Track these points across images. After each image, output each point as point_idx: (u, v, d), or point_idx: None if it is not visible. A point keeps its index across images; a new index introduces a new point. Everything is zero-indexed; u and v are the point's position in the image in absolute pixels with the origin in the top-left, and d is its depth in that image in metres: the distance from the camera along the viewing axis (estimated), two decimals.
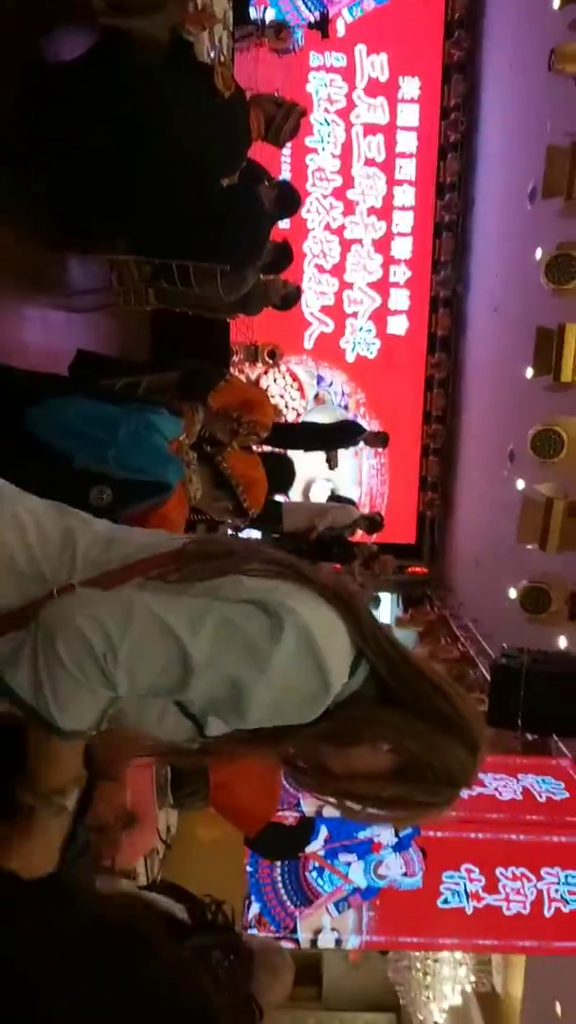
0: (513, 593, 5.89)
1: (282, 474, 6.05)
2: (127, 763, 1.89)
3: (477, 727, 1.24)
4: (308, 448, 7.63)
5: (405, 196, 9.44)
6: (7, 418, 2.04)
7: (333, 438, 7.38)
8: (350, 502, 8.66)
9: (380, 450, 9.01)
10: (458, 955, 7.69)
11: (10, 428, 2.03)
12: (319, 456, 7.75)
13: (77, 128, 2.70)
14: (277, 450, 7.82)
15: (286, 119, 3.36)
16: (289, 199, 4.06)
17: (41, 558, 1.17)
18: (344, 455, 8.06)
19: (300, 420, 9.41)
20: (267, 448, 7.81)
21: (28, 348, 3.39)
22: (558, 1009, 5.70)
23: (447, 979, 8.06)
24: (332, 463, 7.46)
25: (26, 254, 3.34)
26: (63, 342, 3.75)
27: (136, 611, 1.08)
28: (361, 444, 7.92)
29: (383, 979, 10.20)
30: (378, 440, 7.85)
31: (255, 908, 4.42)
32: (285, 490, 6.44)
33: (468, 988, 8.25)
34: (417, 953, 7.79)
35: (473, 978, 8.12)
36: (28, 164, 2.76)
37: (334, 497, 8.90)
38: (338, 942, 4.44)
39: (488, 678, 6.08)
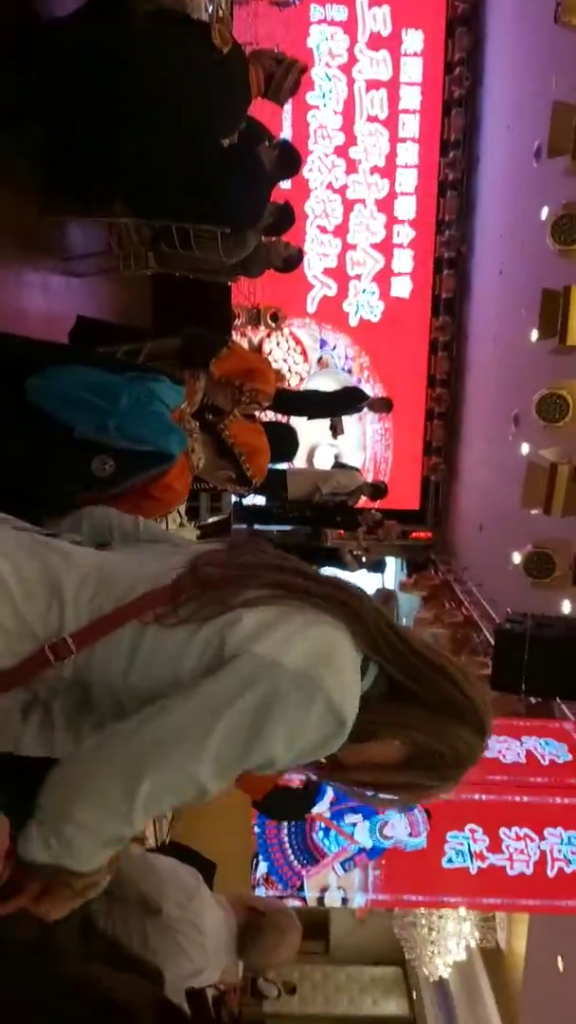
0: (517, 558, 5.89)
1: (285, 443, 6.02)
2: None
3: (485, 709, 1.23)
4: (312, 416, 7.57)
5: (408, 154, 9.26)
6: (6, 387, 2.02)
7: (336, 405, 7.32)
8: (354, 469, 8.64)
9: (384, 416, 8.96)
10: (462, 912, 7.84)
11: (10, 397, 2.01)
12: (323, 423, 7.70)
13: (73, 87, 2.64)
14: (280, 419, 7.78)
15: (286, 75, 3.27)
16: (290, 159, 3.98)
17: (28, 614, 1.13)
18: (349, 422, 8.01)
19: (303, 386, 9.35)
20: (270, 416, 7.80)
21: (27, 314, 3.35)
22: (560, 964, 5.82)
23: (452, 935, 8.22)
24: (337, 431, 7.41)
25: (24, 217, 3.28)
26: (62, 308, 3.70)
27: (138, 769, 1.05)
28: (365, 410, 7.86)
29: (389, 935, 10.41)
30: (382, 405, 7.79)
31: (263, 868, 4.49)
32: (288, 459, 6.41)
33: (472, 944, 8.42)
34: (422, 910, 7.95)
35: (477, 934, 8.28)
36: (24, 124, 2.69)
37: (338, 464, 8.88)
38: (344, 900, 4.52)
39: (492, 642, 6.10)
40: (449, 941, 8.19)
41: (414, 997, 11.79)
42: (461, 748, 1.21)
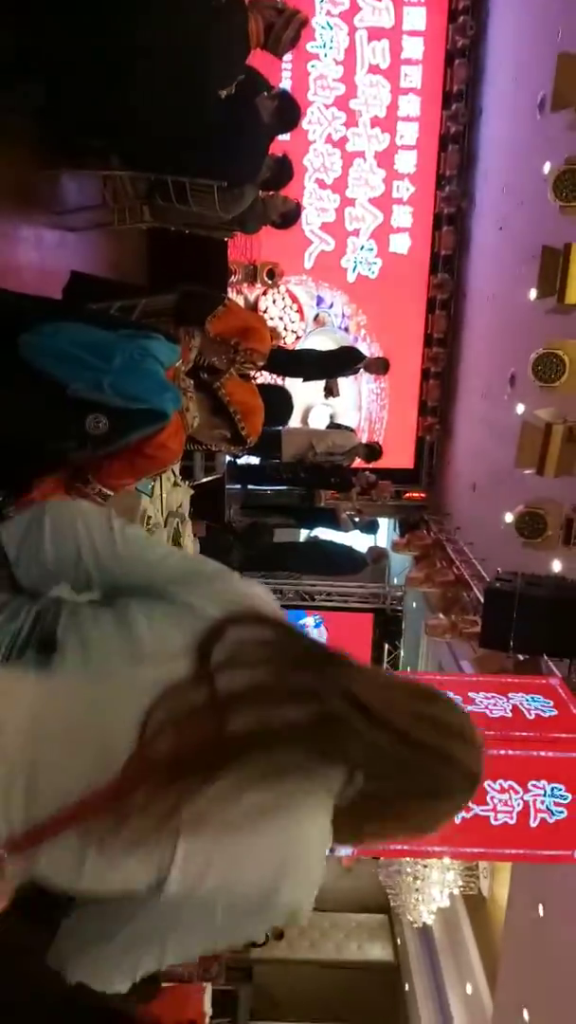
0: (509, 518, 5.93)
1: (280, 406, 6.02)
2: None
3: (474, 763, 1.13)
4: (307, 377, 7.54)
5: (410, 106, 9.07)
6: None
7: (333, 365, 7.29)
8: (349, 429, 8.64)
9: (380, 376, 8.93)
10: (447, 861, 8.06)
11: (2, 354, 2.01)
12: (318, 384, 7.68)
13: (68, 38, 2.58)
14: (275, 381, 7.76)
15: (286, 27, 3.20)
16: (289, 111, 3.91)
17: None
18: (344, 383, 7.98)
19: (299, 345, 9.29)
20: (265, 379, 7.77)
21: (20, 269, 3.32)
22: (540, 911, 6.02)
23: (436, 883, 8.47)
24: (332, 392, 7.39)
25: (18, 171, 3.24)
26: (56, 263, 3.67)
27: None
28: (361, 370, 7.83)
29: (375, 883, 10.72)
30: (378, 366, 7.76)
31: None
32: (283, 422, 6.42)
33: (456, 892, 8.68)
34: (407, 859, 8.17)
35: (461, 882, 8.53)
36: (20, 79, 2.65)
37: (333, 424, 8.87)
38: (331, 849, 4.65)
39: (482, 600, 6.18)
40: (433, 889, 8.44)
41: (398, 943, 12.18)
42: (450, 812, 1.13)
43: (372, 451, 8.07)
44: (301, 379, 7.76)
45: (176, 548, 1.21)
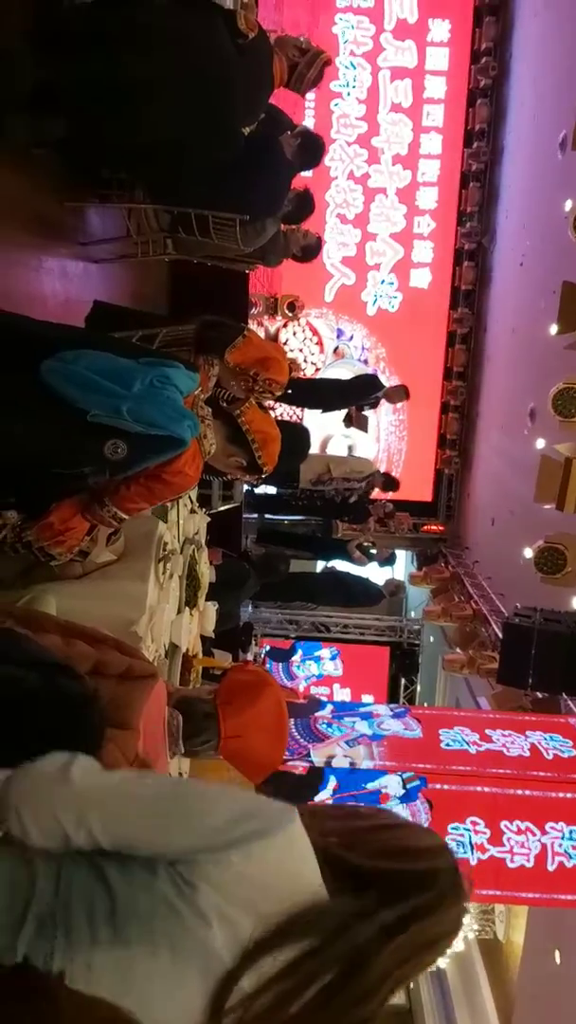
0: (528, 553, 5.88)
1: (297, 440, 6.04)
2: (140, 712, 1.93)
3: (451, 878, 1.19)
4: (326, 407, 7.53)
5: (432, 144, 9.19)
6: (21, 370, 2.04)
7: (351, 393, 7.29)
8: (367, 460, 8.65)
9: (400, 405, 8.93)
10: None
11: (24, 380, 2.03)
12: (337, 415, 7.67)
13: (93, 73, 2.64)
14: (296, 413, 7.78)
15: (309, 67, 3.26)
16: (312, 148, 3.97)
17: None
18: (367, 414, 7.94)
19: (317, 375, 9.35)
20: (283, 409, 7.80)
21: (45, 298, 3.37)
22: (557, 957, 5.85)
23: None
24: (354, 423, 7.35)
25: (43, 203, 3.30)
26: (80, 293, 3.72)
27: None
28: (381, 401, 7.82)
29: None
30: (398, 394, 7.75)
31: None
32: (301, 457, 6.43)
33: (471, 935, 8.47)
34: None
35: (476, 926, 8.33)
36: (45, 112, 2.71)
37: (350, 455, 8.88)
38: None
39: (500, 636, 6.11)
40: None
41: (411, 987, 11.87)
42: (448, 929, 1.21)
43: (390, 480, 8.04)
44: (320, 410, 7.78)
45: (183, 792, 1.11)
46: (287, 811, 1.13)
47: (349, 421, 7.32)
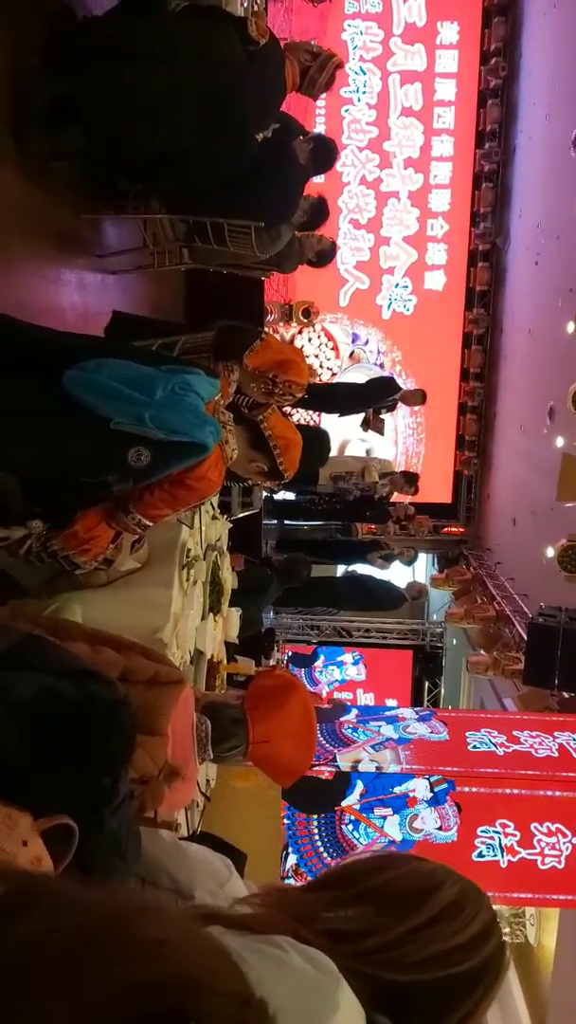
0: (551, 552, 5.85)
1: (317, 445, 6.04)
2: (169, 717, 1.94)
3: (482, 912, 1.03)
4: (344, 411, 7.53)
5: (443, 146, 9.19)
6: (44, 379, 2.06)
7: (368, 396, 7.29)
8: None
9: (417, 408, 8.92)
10: (493, 907, 7.80)
11: (47, 390, 2.06)
12: (355, 419, 7.67)
13: (107, 84, 2.68)
14: (313, 418, 7.77)
15: (321, 70, 3.28)
16: (324, 153, 3.98)
17: None
18: (384, 417, 7.94)
19: (334, 380, 9.35)
20: (302, 414, 7.80)
21: (63, 311, 3.41)
22: None
23: None
24: (371, 426, 7.35)
25: (60, 216, 3.34)
26: (98, 304, 3.76)
27: None
28: (398, 404, 7.81)
29: None
30: (415, 397, 7.74)
31: (292, 859, 4.53)
32: (320, 462, 6.43)
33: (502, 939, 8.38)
34: None
35: (507, 929, 8.25)
36: (61, 124, 2.74)
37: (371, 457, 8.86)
38: None
39: (524, 637, 6.07)
40: None
41: None
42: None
43: (410, 477, 7.98)
44: (337, 414, 7.78)
45: None
46: (333, 977, 0.91)
47: (366, 425, 7.32)
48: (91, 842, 1.34)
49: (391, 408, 7.66)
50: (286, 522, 8.47)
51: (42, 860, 1.15)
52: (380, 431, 7.52)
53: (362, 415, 7.40)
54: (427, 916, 0.98)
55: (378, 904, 0.99)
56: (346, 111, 9.07)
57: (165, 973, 0.52)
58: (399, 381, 8.92)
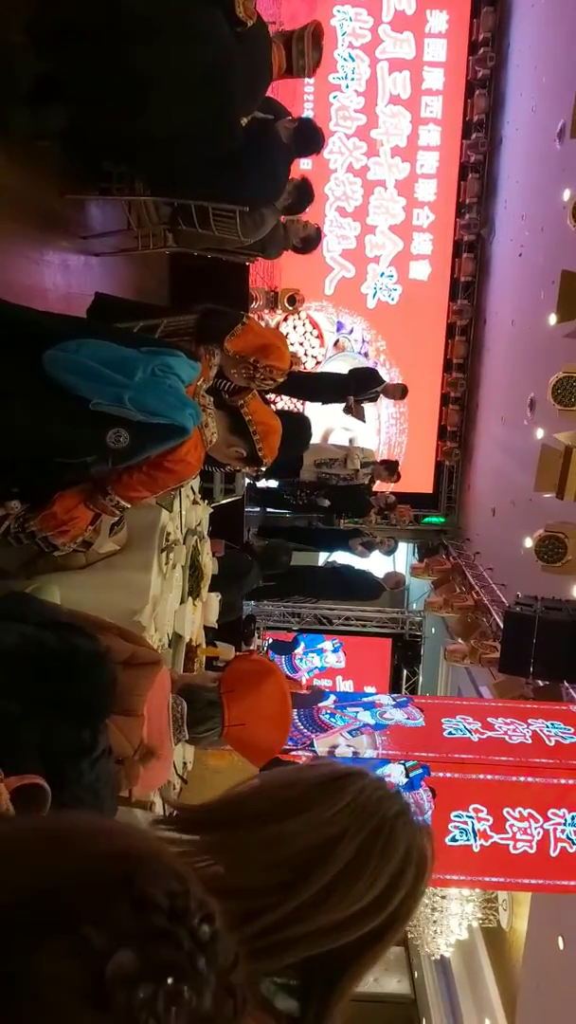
0: (529, 542, 5.90)
1: (298, 431, 6.05)
2: (145, 698, 1.95)
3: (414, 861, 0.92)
4: (326, 400, 7.55)
5: (430, 135, 9.18)
6: (24, 359, 2.06)
7: (351, 386, 7.30)
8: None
9: (398, 401, 8.94)
10: (465, 892, 7.91)
11: (27, 370, 2.05)
12: (338, 407, 7.68)
13: (92, 63, 2.65)
14: (296, 405, 7.77)
15: (301, 40, 3.27)
16: (309, 135, 3.96)
17: None
18: (366, 407, 7.95)
19: (318, 369, 9.35)
20: (285, 400, 7.79)
21: (46, 292, 3.39)
22: (560, 944, 5.88)
23: (454, 915, 8.31)
24: (353, 413, 7.37)
25: (44, 197, 3.31)
26: (81, 286, 3.74)
27: None
28: (379, 395, 7.83)
29: None
30: (396, 391, 7.76)
31: None
32: (301, 448, 6.44)
33: (475, 924, 8.51)
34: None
35: (480, 914, 8.37)
36: (46, 104, 2.72)
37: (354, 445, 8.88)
38: None
39: (501, 625, 6.13)
40: (451, 921, 8.29)
41: (415, 976, 11.93)
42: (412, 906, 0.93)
43: (391, 466, 8.02)
44: (320, 402, 7.79)
45: None
46: None
47: (348, 410, 7.33)
48: (69, 793, 1.36)
49: (373, 400, 7.68)
50: (268, 510, 8.48)
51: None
52: (360, 417, 7.53)
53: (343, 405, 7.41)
54: (319, 886, 0.86)
55: (264, 864, 0.86)
56: (334, 98, 9.03)
57: (110, 847, 0.54)
58: (383, 371, 8.94)
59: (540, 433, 6.52)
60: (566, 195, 6.07)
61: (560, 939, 5.89)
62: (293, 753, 4.49)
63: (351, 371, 7.88)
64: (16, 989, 0.46)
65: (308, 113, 8.78)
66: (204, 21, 2.82)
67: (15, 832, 0.59)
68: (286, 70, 3.35)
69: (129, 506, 2.33)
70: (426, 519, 10.13)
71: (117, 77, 2.66)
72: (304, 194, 4.06)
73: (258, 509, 8.28)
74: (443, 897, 8.17)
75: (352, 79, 8.99)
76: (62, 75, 2.69)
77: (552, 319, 6.08)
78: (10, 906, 0.48)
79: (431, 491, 10.10)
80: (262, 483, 7.85)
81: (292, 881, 0.84)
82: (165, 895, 0.51)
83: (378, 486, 8.26)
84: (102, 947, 0.47)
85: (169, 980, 0.48)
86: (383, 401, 9.13)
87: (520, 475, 6.69)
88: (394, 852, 0.90)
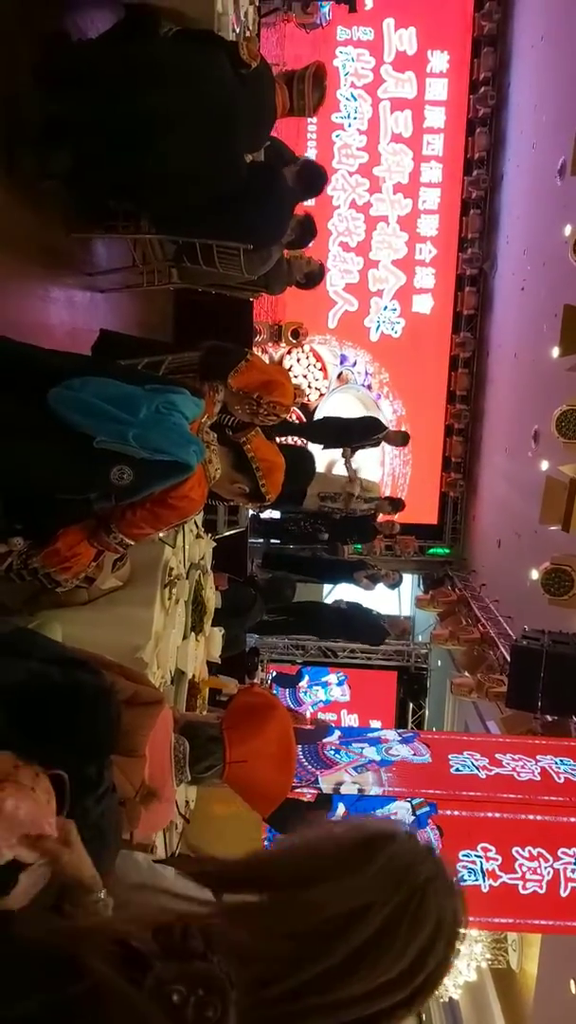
0: (535, 574, 5.87)
1: (301, 465, 6.05)
2: (147, 738, 1.93)
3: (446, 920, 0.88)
4: (328, 445, 7.49)
5: (432, 172, 9.32)
6: (29, 397, 2.06)
7: (353, 434, 7.30)
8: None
9: (404, 428, 8.95)
10: (474, 932, 7.75)
11: (32, 407, 2.05)
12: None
13: (100, 106, 2.70)
14: (298, 442, 7.77)
15: (303, 81, 3.33)
16: (311, 175, 4.02)
17: None
18: (370, 451, 7.91)
19: (322, 402, 9.39)
20: (288, 438, 7.79)
21: (52, 328, 3.41)
22: (573, 988, 5.74)
23: (463, 956, 8.12)
24: (348, 462, 7.35)
25: (48, 233, 3.35)
26: (86, 322, 3.76)
27: None
28: (381, 442, 7.77)
29: None
30: (398, 438, 7.72)
31: None
32: (305, 482, 6.43)
33: (484, 965, 8.33)
34: None
35: (489, 955, 8.19)
36: (53, 145, 2.76)
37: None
38: None
39: (508, 659, 6.07)
40: (460, 962, 8.10)
41: (423, 1018, 11.64)
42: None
43: (395, 503, 7.99)
44: (321, 446, 7.75)
45: None
46: None
47: (344, 456, 7.32)
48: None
49: (375, 445, 7.66)
50: (272, 540, 8.46)
51: (51, 797, 1.17)
52: (352, 455, 7.52)
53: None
54: (341, 957, 0.81)
55: (287, 931, 0.82)
56: (337, 136, 9.19)
57: None
58: (386, 403, 8.97)
59: (545, 465, 6.52)
60: (567, 231, 6.13)
61: (572, 982, 5.75)
62: (297, 790, 4.43)
63: (354, 419, 7.84)
64: None
65: (311, 151, 8.92)
66: (208, 65, 2.88)
67: None
68: (289, 110, 3.41)
69: (132, 543, 2.32)
70: (431, 550, 10.11)
71: (123, 119, 2.71)
72: (307, 230, 4.10)
73: (261, 540, 8.27)
74: None
75: (355, 118, 9.15)
76: (70, 117, 2.73)
77: (555, 352, 6.11)
78: None
79: (435, 522, 10.09)
80: (265, 514, 7.83)
81: (314, 951, 0.81)
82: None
83: (382, 517, 8.23)
84: None
85: None
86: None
87: (525, 507, 6.67)
88: (424, 925, 0.85)
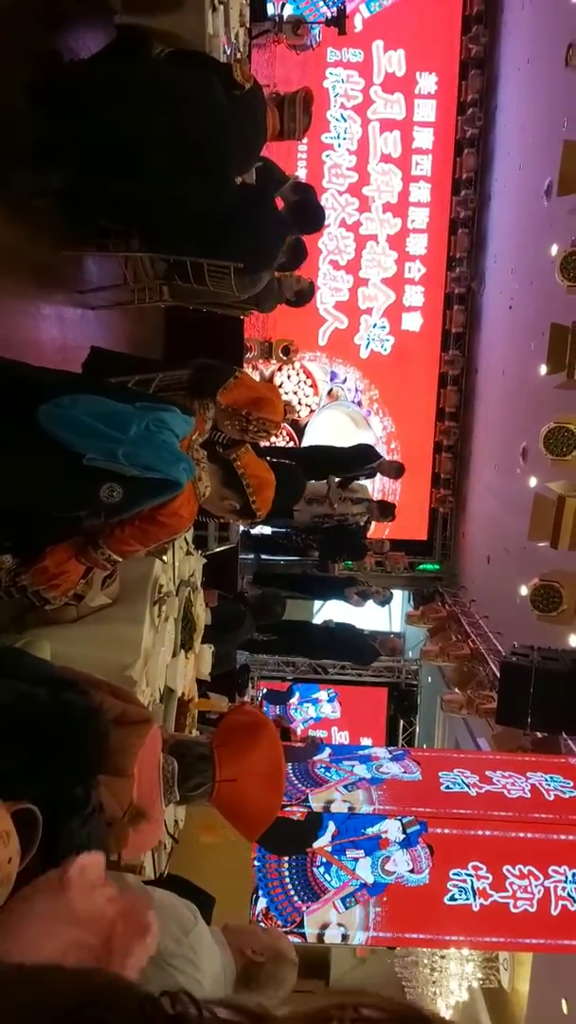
0: (524, 590, 5.88)
1: (292, 483, 6.04)
2: (135, 757, 1.91)
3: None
4: (318, 476, 7.37)
5: (421, 192, 9.42)
6: (18, 414, 2.06)
7: (347, 463, 7.26)
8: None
9: (394, 445, 8.98)
10: (465, 952, 7.70)
11: (21, 424, 2.05)
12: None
13: (92, 126, 2.72)
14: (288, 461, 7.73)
15: (293, 104, 3.37)
16: (309, 215, 4.04)
17: None
18: (364, 482, 7.84)
19: (312, 419, 9.42)
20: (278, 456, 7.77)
21: (42, 345, 3.42)
22: (564, 1007, 5.70)
23: (454, 975, 8.07)
24: (331, 492, 7.28)
25: (40, 252, 3.36)
26: (77, 339, 3.77)
27: None
28: (376, 472, 7.70)
29: (390, 973, 10.23)
30: (392, 470, 7.67)
31: (262, 903, 4.46)
32: (295, 499, 6.41)
33: (475, 984, 8.27)
34: (424, 949, 7.81)
35: (480, 975, 8.13)
36: (45, 164, 2.78)
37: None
38: (344, 938, 4.47)
39: (498, 675, 6.07)
40: (451, 981, 8.05)
41: None
42: None
43: (385, 507, 7.90)
44: (312, 477, 7.65)
45: None
46: None
47: (328, 487, 7.26)
48: (60, 853, 1.33)
49: (370, 476, 7.60)
50: (263, 556, 8.45)
51: (10, 836, 1.16)
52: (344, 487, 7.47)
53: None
54: None
55: None
56: (327, 156, 9.28)
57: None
58: (376, 420, 8.98)
59: (533, 481, 6.55)
60: (554, 250, 6.20)
61: (564, 1002, 5.71)
62: (287, 809, 4.41)
63: (348, 448, 7.76)
64: None
65: (302, 171, 9.00)
66: (199, 86, 2.90)
67: None
68: (279, 132, 3.44)
69: (121, 560, 2.31)
70: (421, 566, 10.12)
71: (114, 140, 2.73)
72: (298, 253, 4.13)
73: (252, 556, 8.26)
74: (442, 957, 7.95)
75: (344, 138, 9.25)
76: (61, 136, 2.75)
77: (543, 370, 6.15)
78: None
79: (425, 538, 10.11)
80: (256, 529, 7.81)
81: None
82: None
83: (373, 531, 8.22)
84: None
85: None
86: (378, 448, 9.16)
87: (514, 523, 6.70)
88: None
